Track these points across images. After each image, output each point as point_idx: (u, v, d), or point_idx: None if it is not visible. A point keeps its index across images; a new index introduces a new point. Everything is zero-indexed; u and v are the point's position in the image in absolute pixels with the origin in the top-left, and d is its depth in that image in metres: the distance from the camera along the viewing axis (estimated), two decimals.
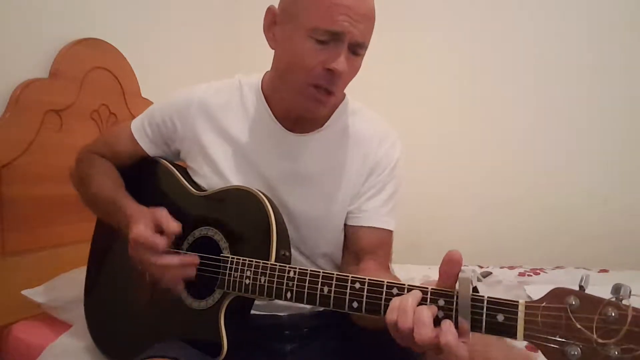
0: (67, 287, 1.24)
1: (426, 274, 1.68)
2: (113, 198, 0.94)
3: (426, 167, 1.98)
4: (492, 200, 2.06)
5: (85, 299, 1.09)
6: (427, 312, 0.60)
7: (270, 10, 0.89)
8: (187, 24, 2.03)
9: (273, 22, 0.89)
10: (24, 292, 1.24)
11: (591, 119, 1.94)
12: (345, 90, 1.01)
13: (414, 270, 1.72)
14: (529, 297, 1.44)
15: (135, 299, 0.97)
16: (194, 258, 0.83)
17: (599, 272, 1.67)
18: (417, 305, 0.62)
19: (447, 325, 0.59)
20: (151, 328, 0.92)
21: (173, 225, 0.82)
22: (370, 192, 0.95)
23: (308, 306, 0.97)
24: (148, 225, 0.82)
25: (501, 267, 1.77)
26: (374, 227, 0.94)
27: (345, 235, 0.97)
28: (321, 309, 0.98)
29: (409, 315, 0.61)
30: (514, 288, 1.54)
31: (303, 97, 0.87)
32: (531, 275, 1.68)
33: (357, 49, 0.84)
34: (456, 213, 2.10)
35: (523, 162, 2.03)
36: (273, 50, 0.92)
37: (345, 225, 0.97)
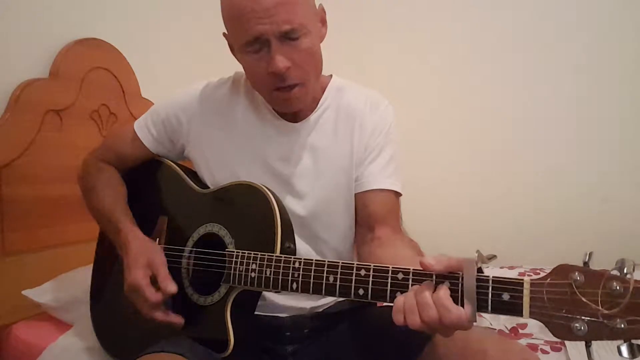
0: (67, 287, 1.24)
1: None
2: (110, 216, 0.96)
3: (424, 167, 1.98)
4: (492, 200, 2.06)
5: (91, 298, 1.09)
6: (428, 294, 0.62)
7: (225, 36, 0.92)
8: (188, 24, 2.03)
9: (231, 45, 0.93)
10: (24, 292, 1.24)
11: (590, 117, 1.94)
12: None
13: None
14: None
15: None
16: (179, 319, 0.85)
17: None
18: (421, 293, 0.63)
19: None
20: (157, 325, 0.92)
21: (168, 286, 0.83)
22: (370, 156, 0.97)
23: (308, 307, 0.97)
24: (146, 274, 0.84)
25: (501, 267, 1.77)
26: (379, 190, 0.95)
27: (355, 208, 0.98)
28: (321, 309, 0.98)
29: (416, 314, 0.62)
30: None
31: (274, 102, 0.91)
32: (531, 275, 1.68)
33: (289, 36, 0.83)
34: (455, 213, 2.10)
35: (522, 161, 2.03)
36: None
37: (355, 197, 0.97)
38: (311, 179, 0.95)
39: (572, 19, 1.95)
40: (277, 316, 0.96)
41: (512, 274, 1.68)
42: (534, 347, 1.12)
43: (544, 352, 1.11)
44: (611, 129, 1.92)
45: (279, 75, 0.84)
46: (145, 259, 0.86)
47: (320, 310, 0.98)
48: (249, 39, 0.82)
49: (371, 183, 0.95)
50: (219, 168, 0.97)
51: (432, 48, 2.11)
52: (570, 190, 1.96)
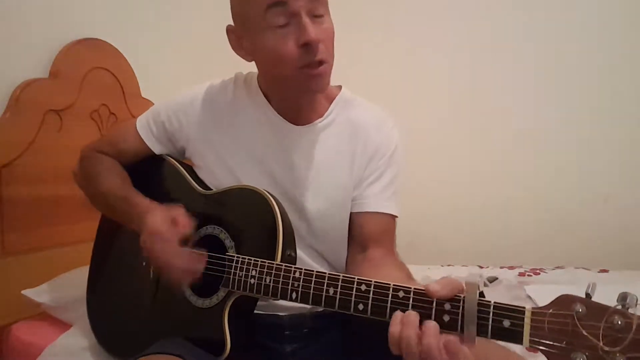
0: (67, 287, 1.24)
1: (425, 274, 1.68)
2: (124, 195, 0.95)
3: (425, 167, 1.98)
4: (492, 200, 2.06)
5: (88, 297, 1.09)
6: (415, 315, 0.62)
7: (229, 30, 0.91)
8: (188, 24, 2.03)
9: (238, 38, 0.91)
10: (24, 292, 1.24)
11: (591, 117, 1.94)
12: (346, 86, 1.03)
13: (414, 270, 1.70)
14: (529, 297, 1.44)
15: (138, 296, 0.97)
16: (202, 255, 0.85)
17: (599, 272, 1.67)
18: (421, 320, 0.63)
19: (432, 326, 0.61)
20: (154, 326, 0.92)
21: (186, 221, 0.83)
22: (371, 178, 0.96)
23: (309, 306, 0.97)
24: (164, 218, 0.83)
25: (501, 267, 1.77)
26: (377, 212, 0.95)
27: (349, 225, 0.98)
28: (321, 309, 0.98)
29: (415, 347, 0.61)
30: (514, 288, 1.54)
31: (300, 82, 0.86)
32: (531, 275, 1.68)
33: (315, 10, 0.83)
34: (455, 213, 2.10)
35: (523, 161, 2.03)
36: None
37: (350, 215, 0.97)
38: (309, 191, 0.94)
39: (574, 22, 1.95)
40: (277, 315, 0.96)
41: (512, 274, 1.69)
42: (533, 349, 1.12)
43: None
44: (612, 129, 1.92)
45: (312, 47, 0.82)
46: (162, 209, 0.85)
47: (320, 310, 0.98)
48: (269, 3, 0.80)
49: (369, 205, 0.95)
50: (219, 171, 0.96)
51: (437, 51, 2.11)
52: (571, 190, 1.97)
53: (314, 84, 0.87)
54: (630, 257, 1.80)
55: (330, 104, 0.99)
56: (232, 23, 0.92)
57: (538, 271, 1.72)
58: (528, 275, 1.68)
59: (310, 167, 0.95)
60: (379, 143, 0.97)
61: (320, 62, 0.85)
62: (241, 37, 0.90)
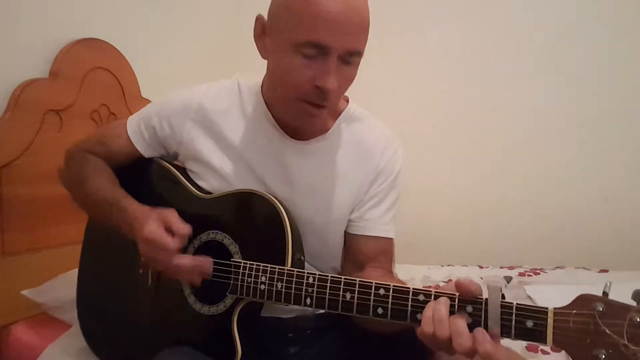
0: (67, 287, 1.24)
1: (426, 274, 1.68)
2: (113, 198, 0.91)
3: (426, 167, 1.98)
4: (492, 200, 2.06)
5: (79, 304, 1.08)
6: (463, 322, 0.62)
7: (259, 20, 0.86)
8: (188, 24, 2.03)
9: (263, 32, 0.86)
10: (24, 292, 1.24)
11: (590, 117, 1.94)
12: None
13: (414, 270, 1.72)
14: (529, 297, 1.44)
15: (135, 304, 0.95)
16: (207, 260, 0.83)
17: (599, 272, 1.67)
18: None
19: (482, 334, 0.62)
20: (155, 334, 0.91)
21: (183, 228, 0.81)
22: (373, 201, 0.95)
23: (311, 308, 0.97)
24: (160, 225, 0.81)
25: (501, 267, 1.77)
26: (376, 237, 0.94)
27: (345, 243, 0.96)
28: (324, 311, 0.98)
29: (445, 325, 0.63)
30: (514, 288, 1.54)
31: (295, 111, 0.85)
32: (531, 275, 1.68)
33: (349, 58, 0.80)
34: (456, 213, 2.10)
35: (523, 161, 2.03)
36: None
37: (345, 233, 0.96)
38: (305, 208, 0.92)
39: (574, 22, 1.95)
40: (281, 317, 0.95)
41: (512, 274, 1.68)
42: (534, 348, 1.12)
43: (544, 352, 1.11)
44: (612, 129, 1.92)
45: (319, 92, 0.79)
46: (155, 214, 0.83)
47: (323, 311, 0.98)
48: (313, 41, 0.76)
49: (369, 229, 0.94)
50: (213, 179, 0.94)
51: (437, 52, 2.11)
52: (570, 191, 1.97)
53: (308, 121, 0.86)
54: (630, 257, 1.80)
55: (335, 119, 0.95)
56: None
57: (538, 271, 1.72)
58: (528, 275, 1.68)
59: (308, 184, 0.92)
60: (383, 166, 0.95)
61: (322, 106, 0.83)
62: (267, 33, 0.85)
